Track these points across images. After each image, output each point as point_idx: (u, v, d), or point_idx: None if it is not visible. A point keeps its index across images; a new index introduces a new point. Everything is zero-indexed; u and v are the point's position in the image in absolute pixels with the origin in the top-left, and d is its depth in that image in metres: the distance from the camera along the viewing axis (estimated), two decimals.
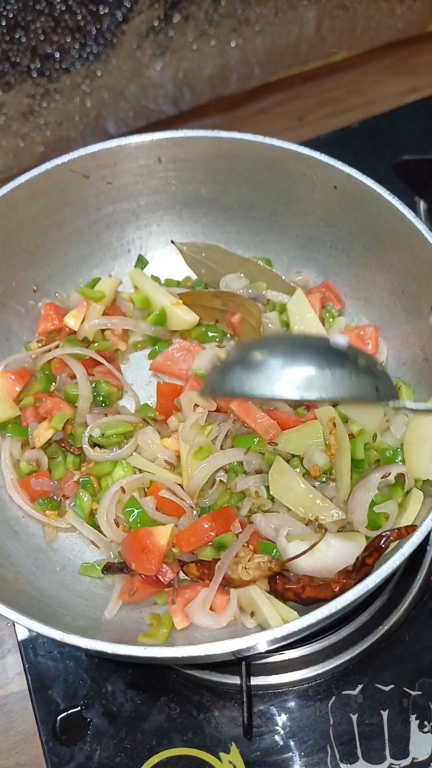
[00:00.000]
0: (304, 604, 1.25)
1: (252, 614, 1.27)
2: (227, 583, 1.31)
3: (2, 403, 1.52)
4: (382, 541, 1.22)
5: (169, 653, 1.10)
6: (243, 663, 1.36)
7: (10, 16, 1.76)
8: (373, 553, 1.22)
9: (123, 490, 1.43)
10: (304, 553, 1.27)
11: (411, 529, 1.21)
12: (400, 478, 1.39)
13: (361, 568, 1.22)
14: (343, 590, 1.21)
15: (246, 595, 1.28)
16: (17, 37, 1.80)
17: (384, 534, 1.22)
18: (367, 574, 1.21)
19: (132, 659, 1.17)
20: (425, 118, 2.19)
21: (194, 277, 1.73)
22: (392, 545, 1.23)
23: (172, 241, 1.73)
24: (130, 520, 1.39)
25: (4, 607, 1.14)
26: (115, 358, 1.64)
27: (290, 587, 1.26)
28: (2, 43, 1.79)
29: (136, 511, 1.39)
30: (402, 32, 2.30)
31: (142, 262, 1.74)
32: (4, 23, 1.76)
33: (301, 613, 1.11)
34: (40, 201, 1.57)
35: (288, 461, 1.43)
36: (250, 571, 1.28)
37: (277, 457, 1.42)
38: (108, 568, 1.36)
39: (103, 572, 1.37)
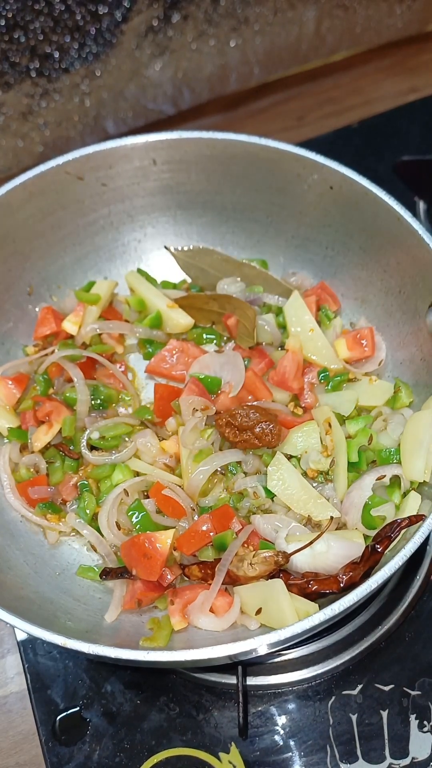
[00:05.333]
0: (309, 599, 1.25)
1: (258, 612, 1.27)
2: (233, 582, 1.31)
3: (6, 413, 1.53)
4: (393, 529, 1.22)
5: (172, 657, 1.10)
6: (239, 665, 1.37)
7: (10, 15, 1.76)
8: (384, 540, 1.22)
9: (126, 492, 1.43)
10: (306, 546, 1.27)
11: (419, 517, 1.22)
12: (397, 479, 1.39)
13: (371, 556, 1.22)
14: (351, 581, 1.21)
15: (258, 591, 1.28)
16: (16, 36, 1.80)
17: (395, 521, 1.23)
18: (377, 561, 1.22)
19: (135, 663, 1.17)
20: (425, 118, 2.19)
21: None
22: (396, 539, 1.24)
23: (165, 247, 1.73)
24: (134, 521, 1.39)
25: (5, 612, 1.14)
26: (113, 361, 1.64)
27: (294, 583, 1.26)
28: (1, 42, 1.79)
29: (140, 513, 1.39)
30: (401, 32, 2.29)
31: (142, 274, 1.74)
32: (3, 23, 1.76)
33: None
34: (34, 203, 1.58)
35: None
36: (256, 566, 1.28)
37: (278, 452, 1.42)
38: (106, 573, 1.36)
39: (101, 577, 1.37)
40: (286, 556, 1.28)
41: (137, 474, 1.47)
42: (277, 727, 1.37)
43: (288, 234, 1.70)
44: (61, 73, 1.92)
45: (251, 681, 1.41)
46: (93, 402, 1.54)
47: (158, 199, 1.70)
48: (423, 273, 1.44)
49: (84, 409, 1.52)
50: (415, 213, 1.47)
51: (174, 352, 1.59)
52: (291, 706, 1.40)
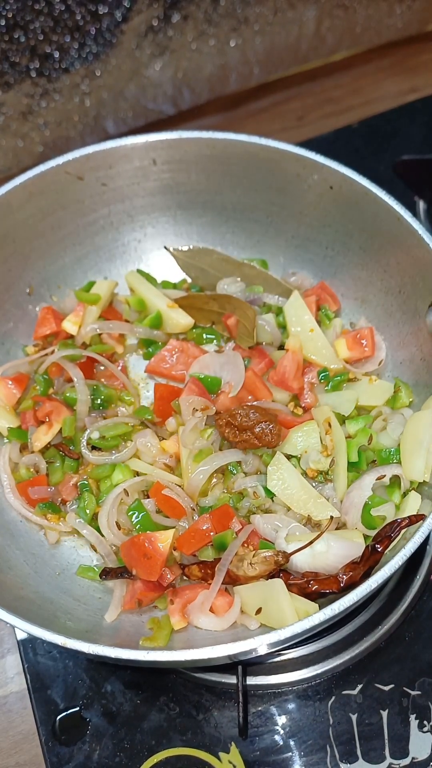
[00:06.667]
0: (309, 599, 1.25)
1: (258, 612, 1.27)
2: (233, 582, 1.31)
3: (6, 413, 1.53)
4: (393, 529, 1.22)
5: (172, 657, 1.10)
6: (239, 665, 1.37)
7: (10, 15, 1.75)
8: (384, 540, 1.22)
9: (126, 492, 1.43)
10: (306, 546, 1.27)
11: (419, 517, 1.22)
12: (396, 479, 1.39)
13: (371, 556, 1.22)
14: (351, 581, 1.21)
15: (258, 590, 1.28)
16: (16, 36, 1.80)
17: (395, 521, 1.23)
18: (377, 561, 1.22)
19: (135, 663, 1.17)
20: (425, 117, 2.19)
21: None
22: (396, 539, 1.24)
23: (165, 247, 1.73)
24: (134, 521, 1.39)
25: (5, 612, 1.14)
26: (113, 361, 1.64)
27: (294, 582, 1.27)
28: (1, 42, 1.79)
29: (140, 513, 1.39)
30: (401, 32, 2.29)
31: (142, 274, 1.74)
32: (3, 23, 1.76)
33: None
34: (34, 203, 1.58)
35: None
36: (256, 566, 1.28)
37: (278, 452, 1.42)
38: (106, 573, 1.36)
39: (101, 577, 1.37)
40: (286, 556, 1.28)
41: (137, 474, 1.47)
42: (277, 727, 1.38)
43: (288, 234, 1.70)
44: (61, 73, 1.92)
45: (251, 681, 1.41)
46: (93, 402, 1.54)
47: (158, 199, 1.70)
48: (423, 273, 1.44)
49: (84, 409, 1.52)
50: (415, 213, 1.47)
51: (174, 352, 1.59)
52: (291, 706, 1.40)
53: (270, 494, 1.41)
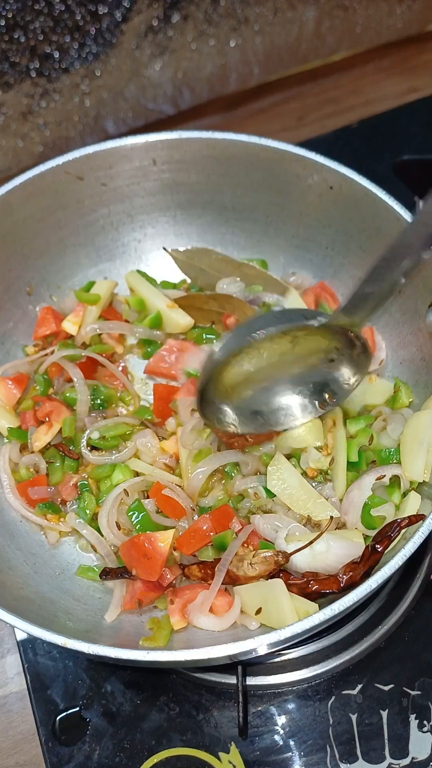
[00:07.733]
0: (309, 599, 1.25)
1: (258, 612, 1.27)
2: (233, 582, 1.31)
3: (6, 413, 1.53)
4: (393, 529, 1.22)
5: (172, 657, 1.10)
6: (239, 665, 1.37)
7: (9, 15, 1.76)
8: (384, 540, 1.22)
9: (126, 492, 1.43)
10: (305, 546, 1.27)
11: (419, 517, 1.22)
12: (396, 479, 1.39)
13: (371, 556, 1.23)
14: (351, 581, 1.21)
15: (258, 591, 1.28)
16: (16, 36, 1.80)
17: (395, 521, 1.23)
18: (377, 561, 1.22)
19: (135, 663, 1.17)
20: (425, 117, 2.19)
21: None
22: (396, 539, 1.24)
23: (164, 248, 1.73)
24: (134, 521, 1.39)
25: (5, 612, 1.14)
26: (113, 361, 1.64)
27: (294, 582, 1.27)
28: (1, 42, 1.79)
29: (140, 513, 1.39)
30: (401, 32, 2.30)
31: (142, 275, 1.74)
32: (3, 23, 1.76)
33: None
34: (34, 203, 1.58)
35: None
36: (256, 566, 1.28)
37: (277, 452, 1.42)
38: (106, 573, 1.36)
39: (101, 577, 1.37)
40: (286, 556, 1.28)
41: (137, 474, 1.47)
42: (277, 727, 1.37)
43: (288, 234, 1.70)
44: (61, 73, 1.92)
45: (251, 681, 1.41)
46: (93, 402, 1.54)
47: (158, 199, 1.70)
48: (423, 273, 1.44)
49: (84, 409, 1.52)
50: (414, 213, 1.47)
51: (172, 351, 1.59)
52: (291, 706, 1.40)
53: (270, 495, 1.41)
